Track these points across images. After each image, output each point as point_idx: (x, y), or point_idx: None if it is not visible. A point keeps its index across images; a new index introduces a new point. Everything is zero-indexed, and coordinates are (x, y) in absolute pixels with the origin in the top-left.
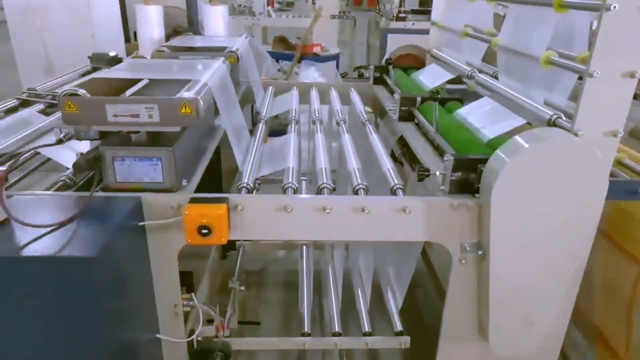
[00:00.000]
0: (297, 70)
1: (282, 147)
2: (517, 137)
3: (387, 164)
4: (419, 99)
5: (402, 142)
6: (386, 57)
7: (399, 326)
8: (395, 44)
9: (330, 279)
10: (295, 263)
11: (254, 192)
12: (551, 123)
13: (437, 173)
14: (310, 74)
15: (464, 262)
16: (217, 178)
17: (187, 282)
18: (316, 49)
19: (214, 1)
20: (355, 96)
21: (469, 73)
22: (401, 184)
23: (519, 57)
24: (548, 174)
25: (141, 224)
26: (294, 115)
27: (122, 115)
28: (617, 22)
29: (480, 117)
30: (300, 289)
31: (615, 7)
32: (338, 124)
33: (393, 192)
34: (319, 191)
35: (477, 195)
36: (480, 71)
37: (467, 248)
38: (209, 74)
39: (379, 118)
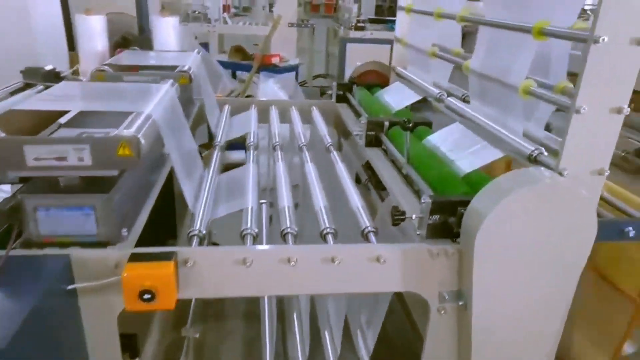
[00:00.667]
0: (255, 80)
1: (239, 180)
2: (501, 180)
3: (356, 201)
4: (386, 124)
5: (368, 165)
6: (349, 74)
7: None
8: (354, 53)
9: (295, 324)
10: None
11: (208, 238)
12: (532, 159)
13: (414, 217)
14: (269, 86)
15: (443, 312)
16: (170, 211)
17: (130, 346)
18: (275, 60)
19: (164, 11)
20: (317, 116)
21: (438, 96)
22: (373, 227)
23: (494, 84)
24: (535, 219)
25: (70, 287)
26: (252, 139)
27: (46, 159)
28: (606, 56)
29: (453, 146)
30: (263, 336)
31: (604, 39)
32: (300, 149)
33: (364, 236)
34: (282, 237)
35: (457, 240)
36: (449, 93)
37: (447, 297)
38: (155, 103)
39: (343, 138)
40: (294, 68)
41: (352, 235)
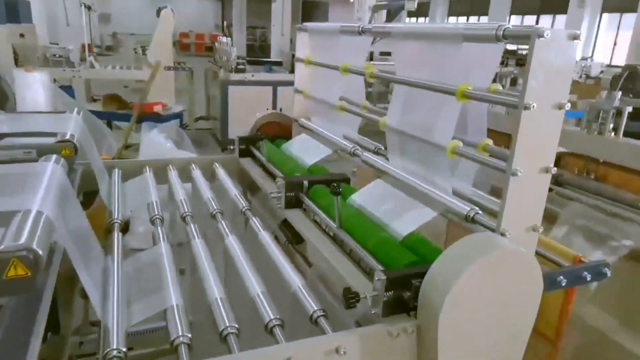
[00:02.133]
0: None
1: (152, 268)
2: (455, 249)
3: (296, 281)
4: (305, 183)
5: (286, 224)
6: (251, 127)
7: None
8: (237, 95)
9: None
10: None
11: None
12: (469, 219)
13: (368, 296)
14: (153, 137)
15: None
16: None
17: None
18: (157, 108)
19: (27, 66)
20: (223, 175)
21: (352, 150)
22: (322, 310)
23: (416, 142)
24: (494, 284)
25: None
26: (156, 211)
27: None
28: (535, 121)
29: (379, 205)
30: None
31: (534, 106)
32: (214, 217)
33: (314, 322)
34: (223, 339)
35: (412, 314)
36: (361, 146)
37: None
38: (42, 192)
39: (250, 195)
40: (177, 116)
41: (299, 325)
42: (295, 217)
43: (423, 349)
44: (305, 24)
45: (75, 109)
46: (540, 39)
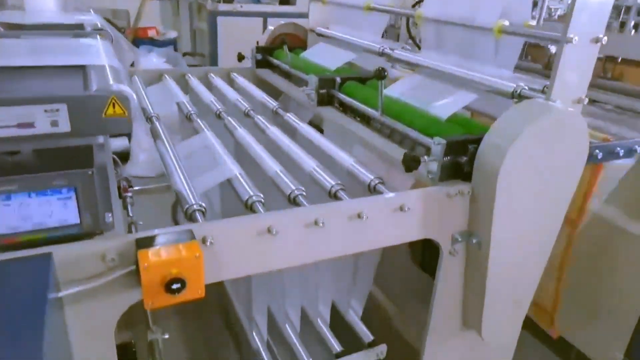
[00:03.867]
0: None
1: (204, 150)
2: (511, 114)
3: (347, 158)
4: (338, 80)
5: (314, 126)
6: (266, 37)
7: (369, 335)
8: (226, 27)
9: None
10: None
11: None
12: (516, 95)
13: (427, 159)
14: (151, 59)
15: (454, 254)
16: None
17: (127, 356)
18: (151, 33)
19: None
20: (243, 82)
21: (382, 49)
22: (380, 177)
23: (456, 30)
24: (547, 148)
25: (61, 294)
26: (188, 108)
27: (4, 127)
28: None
29: (419, 95)
30: (249, 331)
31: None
32: (247, 115)
33: (372, 189)
34: (292, 201)
35: (467, 180)
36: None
37: (459, 239)
38: (104, 55)
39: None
40: (172, 42)
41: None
42: (329, 114)
43: (476, 210)
44: None
45: (90, 9)
46: None
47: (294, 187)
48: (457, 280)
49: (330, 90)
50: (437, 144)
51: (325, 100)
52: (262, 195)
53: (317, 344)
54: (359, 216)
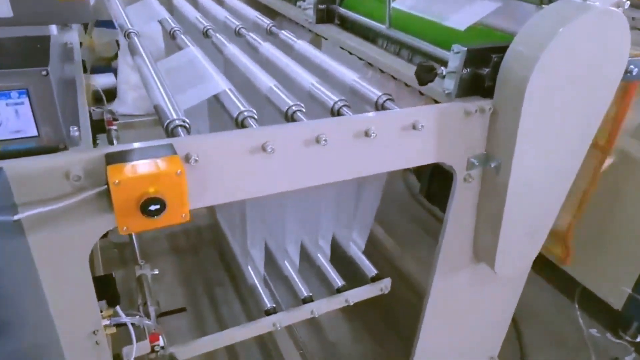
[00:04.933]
0: None
1: (189, 66)
2: (539, 18)
3: (349, 74)
4: None
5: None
6: None
7: (373, 269)
8: None
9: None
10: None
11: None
12: (546, 1)
13: (443, 71)
14: None
15: (470, 181)
16: None
17: (107, 291)
18: None
19: None
20: (234, 0)
21: None
22: (388, 94)
23: None
24: (582, 56)
25: (17, 217)
26: (172, 24)
27: None
28: None
29: (432, 7)
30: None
31: None
32: (238, 33)
33: (381, 106)
34: (290, 118)
35: (487, 95)
36: None
37: (475, 163)
38: None
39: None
40: None
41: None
42: (329, 31)
43: (497, 130)
44: None
45: None
46: None
47: (291, 103)
48: (471, 211)
49: (331, 5)
50: (457, 52)
51: (326, 17)
52: (254, 111)
53: (317, 279)
54: (367, 134)
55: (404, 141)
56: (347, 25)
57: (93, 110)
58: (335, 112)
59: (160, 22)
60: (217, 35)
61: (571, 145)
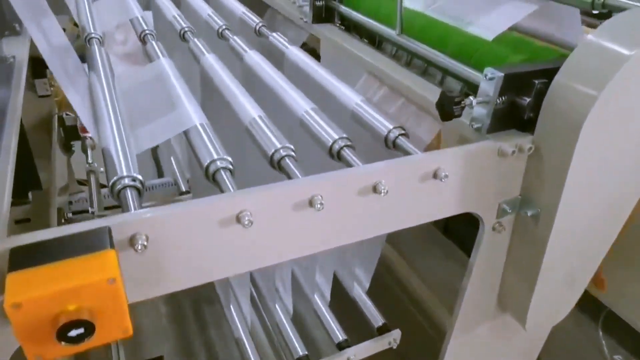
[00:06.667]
0: None
1: (155, 86)
2: (605, 29)
3: (352, 96)
4: None
5: (307, 49)
6: None
7: (379, 319)
8: None
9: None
10: None
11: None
12: (598, 5)
13: (474, 102)
14: None
15: (500, 230)
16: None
17: None
18: None
19: None
20: None
21: None
22: (401, 127)
23: None
24: None
25: None
26: (144, 25)
27: None
28: None
29: (453, 8)
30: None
31: None
32: (221, 35)
33: (392, 144)
34: (277, 165)
35: (526, 129)
36: None
37: (508, 210)
38: None
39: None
40: None
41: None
42: (327, 33)
43: (538, 172)
44: None
45: None
46: None
47: (279, 145)
48: (499, 259)
49: (330, 2)
50: (491, 78)
51: (324, 15)
52: (229, 159)
53: (314, 329)
54: (375, 189)
55: (421, 195)
56: (349, 26)
57: (66, 115)
58: (335, 154)
59: (131, 21)
60: (196, 40)
61: (627, 187)
